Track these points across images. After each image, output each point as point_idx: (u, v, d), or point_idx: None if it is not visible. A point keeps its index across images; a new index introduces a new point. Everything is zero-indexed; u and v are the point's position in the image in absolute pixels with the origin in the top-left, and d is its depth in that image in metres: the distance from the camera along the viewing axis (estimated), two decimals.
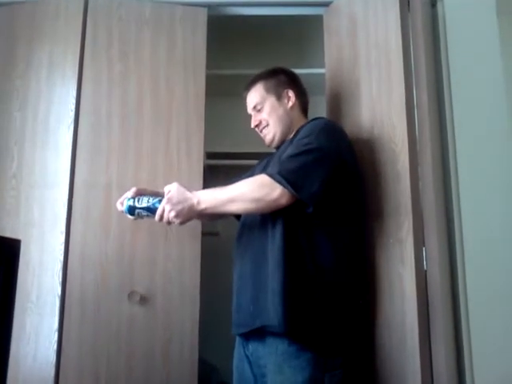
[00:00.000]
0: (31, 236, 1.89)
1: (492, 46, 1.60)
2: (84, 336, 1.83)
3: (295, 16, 2.30)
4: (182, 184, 1.46)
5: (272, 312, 1.36)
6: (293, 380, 1.33)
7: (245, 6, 2.23)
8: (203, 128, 2.03)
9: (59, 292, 1.84)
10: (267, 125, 1.64)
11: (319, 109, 1.90)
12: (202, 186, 1.91)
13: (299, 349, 1.34)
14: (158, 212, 1.44)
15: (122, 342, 1.84)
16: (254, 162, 1.89)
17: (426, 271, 1.42)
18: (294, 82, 1.70)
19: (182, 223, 1.46)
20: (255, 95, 1.67)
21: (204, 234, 1.97)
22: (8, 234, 1.67)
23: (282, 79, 1.68)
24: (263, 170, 1.52)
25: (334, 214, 1.43)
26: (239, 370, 1.57)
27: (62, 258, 1.86)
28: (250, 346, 1.50)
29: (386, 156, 1.56)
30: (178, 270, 1.91)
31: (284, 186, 1.32)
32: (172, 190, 1.44)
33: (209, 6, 2.15)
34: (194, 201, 1.41)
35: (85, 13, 2.05)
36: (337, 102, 1.90)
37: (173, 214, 1.42)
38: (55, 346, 1.81)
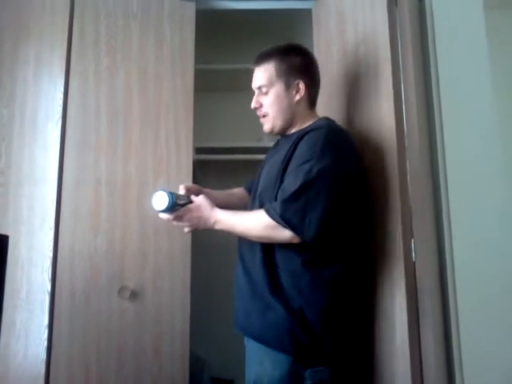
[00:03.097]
0: (20, 233, 1.88)
1: (479, 40, 1.61)
2: (74, 332, 1.83)
3: (284, 10, 2.30)
4: (208, 199, 1.47)
5: (255, 322, 1.39)
6: (271, 374, 1.33)
7: (233, 0, 2.23)
8: (192, 123, 2.03)
9: (49, 288, 1.84)
10: (266, 114, 1.57)
11: None
12: (191, 181, 1.92)
13: None
14: (177, 214, 1.43)
15: (113, 337, 1.84)
16: (244, 156, 1.90)
17: (414, 263, 1.43)
18: (308, 69, 1.58)
19: (190, 230, 1.49)
20: (264, 75, 1.55)
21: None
22: None
23: (297, 64, 1.55)
24: (268, 174, 1.53)
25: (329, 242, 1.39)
26: (247, 359, 1.52)
27: (51, 254, 1.86)
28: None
29: (375, 150, 1.57)
30: (169, 265, 1.91)
31: (290, 231, 1.32)
32: (198, 202, 1.46)
33: (196, 0, 2.14)
34: (212, 221, 1.44)
35: (71, 7, 2.04)
36: (326, 96, 1.91)
37: (187, 223, 1.45)
38: (45, 343, 1.81)
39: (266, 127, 1.59)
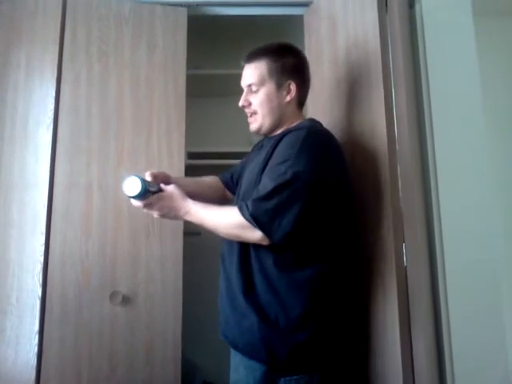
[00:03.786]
0: (11, 237, 1.87)
1: (468, 46, 1.63)
2: (65, 338, 1.82)
3: (276, 16, 2.31)
4: (179, 189, 1.44)
5: (234, 331, 1.38)
6: (245, 381, 1.32)
7: (225, 6, 2.24)
8: (184, 128, 2.03)
9: (40, 293, 1.82)
10: (255, 113, 1.53)
11: None
12: None
13: None
14: (145, 202, 1.39)
15: (105, 342, 1.83)
16: (236, 161, 1.90)
17: (406, 267, 1.44)
18: (299, 70, 1.55)
19: (160, 218, 1.46)
20: (255, 73, 1.51)
21: (186, 233, 1.97)
22: None
23: (290, 64, 1.52)
24: (253, 168, 1.50)
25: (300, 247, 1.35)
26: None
27: (42, 259, 1.85)
28: None
29: (366, 154, 1.58)
30: (161, 269, 1.91)
31: (260, 231, 1.28)
32: (170, 192, 1.43)
33: (188, 6, 2.15)
34: (182, 212, 1.41)
35: (63, 12, 2.04)
36: (317, 101, 1.92)
37: (156, 212, 1.42)
38: (36, 349, 1.79)
39: (254, 126, 1.56)
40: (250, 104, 1.53)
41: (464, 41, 1.64)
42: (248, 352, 1.33)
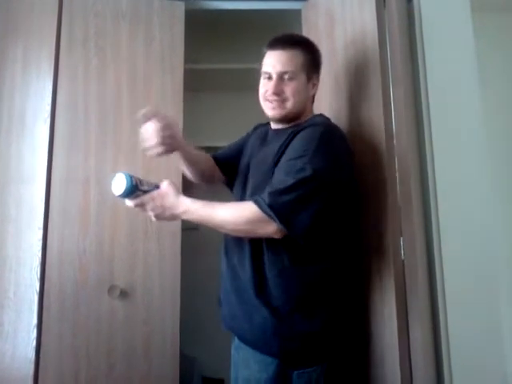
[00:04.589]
0: (8, 232, 1.87)
1: (466, 41, 1.64)
2: (64, 332, 1.82)
3: (273, 10, 2.31)
4: (174, 186, 1.38)
5: (244, 325, 1.37)
6: (257, 376, 1.31)
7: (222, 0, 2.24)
8: (182, 122, 2.03)
9: (37, 288, 1.82)
10: (285, 100, 1.46)
11: None
12: (181, 181, 1.91)
13: None
14: (139, 202, 1.34)
15: (103, 337, 1.84)
16: None
17: (403, 260, 1.45)
18: (320, 66, 1.55)
19: (157, 220, 1.40)
20: (292, 61, 1.44)
21: (183, 228, 1.97)
22: None
23: (317, 59, 1.53)
24: (258, 153, 1.50)
25: (318, 244, 1.35)
26: (233, 358, 1.50)
27: (39, 253, 1.84)
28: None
29: (364, 149, 1.58)
30: (158, 264, 1.91)
31: (277, 224, 1.25)
32: (163, 190, 1.37)
33: (186, 0, 2.14)
34: (178, 211, 1.35)
35: (60, 6, 2.03)
36: (315, 97, 1.92)
37: (152, 213, 1.36)
38: (34, 343, 1.79)
39: (277, 112, 1.47)
40: (282, 92, 1.45)
41: (462, 36, 1.64)
42: (260, 347, 1.32)
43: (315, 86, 1.52)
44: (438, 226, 1.53)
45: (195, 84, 2.62)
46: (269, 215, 1.25)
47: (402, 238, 1.46)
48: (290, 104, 1.46)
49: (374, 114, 1.56)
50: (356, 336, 1.54)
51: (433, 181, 1.56)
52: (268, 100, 1.48)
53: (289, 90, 1.44)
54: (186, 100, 2.07)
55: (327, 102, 1.86)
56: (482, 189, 1.55)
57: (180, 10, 2.12)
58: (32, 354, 1.79)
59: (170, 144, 1.42)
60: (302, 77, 1.46)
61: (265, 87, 1.48)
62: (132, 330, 1.85)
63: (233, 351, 1.49)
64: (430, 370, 1.45)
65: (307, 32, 2.09)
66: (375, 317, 1.50)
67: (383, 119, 1.51)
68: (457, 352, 1.46)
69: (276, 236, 1.29)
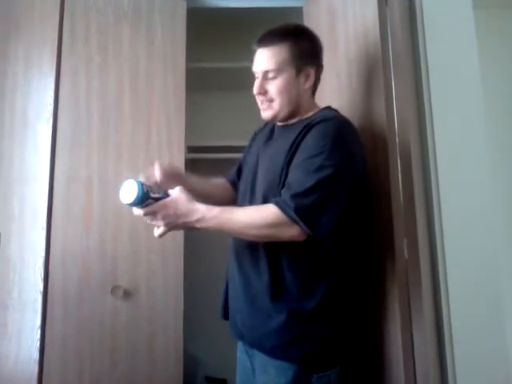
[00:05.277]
0: (11, 232, 1.87)
1: (468, 38, 1.63)
2: (67, 332, 1.83)
3: (275, 8, 2.30)
4: (187, 192, 1.29)
5: (255, 332, 1.32)
6: (276, 381, 1.26)
7: None
8: (184, 121, 2.03)
9: (41, 288, 1.83)
10: (271, 100, 1.40)
11: None
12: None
13: None
14: (150, 210, 1.24)
15: (106, 337, 1.84)
16: (236, 155, 1.88)
17: (407, 260, 1.44)
18: (317, 55, 1.45)
19: (166, 231, 1.30)
20: (272, 59, 1.37)
21: None
22: None
23: (308, 48, 1.41)
24: (261, 155, 1.46)
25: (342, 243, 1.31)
26: (241, 362, 1.48)
27: (43, 253, 1.85)
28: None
29: (366, 148, 1.57)
30: (161, 263, 1.91)
31: (301, 227, 1.20)
32: (175, 196, 1.27)
33: None
34: (193, 219, 1.26)
35: (62, 5, 2.03)
36: (316, 93, 1.91)
37: (163, 222, 1.26)
38: (38, 344, 1.80)
39: (268, 114, 1.43)
40: (265, 92, 1.40)
41: (464, 33, 1.63)
42: (278, 354, 1.27)
43: (309, 77, 1.42)
44: (441, 226, 1.51)
45: (197, 82, 2.61)
46: (293, 218, 1.20)
47: (405, 239, 1.45)
48: (276, 104, 1.40)
49: (376, 112, 1.55)
50: (365, 336, 1.53)
51: (435, 180, 1.55)
52: (259, 101, 1.45)
53: (272, 89, 1.39)
54: (188, 99, 2.07)
55: (329, 100, 1.84)
56: (486, 186, 1.54)
57: (182, 8, 2.12)
58: (36, 355, 1.79)
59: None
60: (289, 72, 1.38)
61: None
62: (135, 330, 1.85)
63: (240, 355, 1.47)
64: (433, 369, 1.45)
65: None
66: (378, 316, 1.50)
67: (385, 116, 1.49)
68: (460, 351, 1.45)
69: (299, 239, 1.24)
